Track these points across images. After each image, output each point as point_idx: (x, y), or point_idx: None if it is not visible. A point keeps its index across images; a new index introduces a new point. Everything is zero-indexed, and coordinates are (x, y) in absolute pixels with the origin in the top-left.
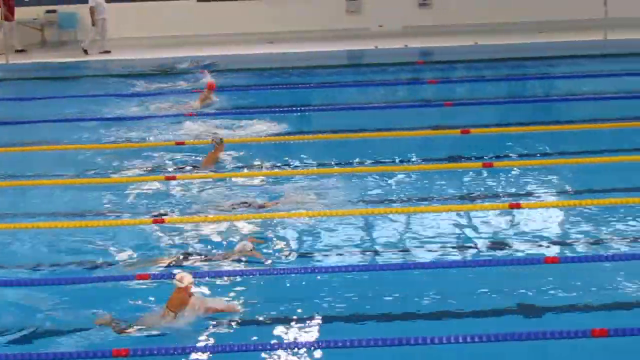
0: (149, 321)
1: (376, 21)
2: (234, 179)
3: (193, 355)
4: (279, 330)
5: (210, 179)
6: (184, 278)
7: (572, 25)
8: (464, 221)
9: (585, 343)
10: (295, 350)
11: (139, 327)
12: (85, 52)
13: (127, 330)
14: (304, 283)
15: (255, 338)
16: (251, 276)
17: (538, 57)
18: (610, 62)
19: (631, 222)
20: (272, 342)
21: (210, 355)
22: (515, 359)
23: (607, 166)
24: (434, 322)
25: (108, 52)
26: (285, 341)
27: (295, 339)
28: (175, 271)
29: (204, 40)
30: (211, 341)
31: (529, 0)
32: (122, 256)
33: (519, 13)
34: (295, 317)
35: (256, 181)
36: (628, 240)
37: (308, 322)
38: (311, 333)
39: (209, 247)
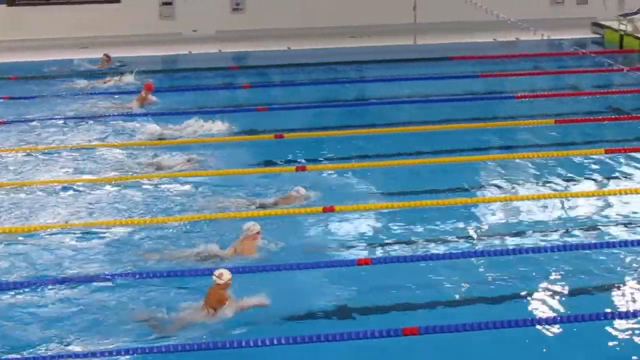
0: (188, 318)
1: (190, 26)
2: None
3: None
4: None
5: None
6: (223, 274)
7: (384, 29)
8: (278, 225)
9: (397, 342)
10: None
11: (178, 324)
12: None
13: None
14: None
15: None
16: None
17: (350, 61)
18: (420, 66)
19: (443, 223)
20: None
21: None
22: (331, 359)
23: (419, 167)
24: (249, 327)
25: None
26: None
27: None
28: (216, 270)
29: (16, 46)
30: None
31: (341, 5)
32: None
33: (331, 18)
34: None
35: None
36: (439, 240)
37: None
38: None
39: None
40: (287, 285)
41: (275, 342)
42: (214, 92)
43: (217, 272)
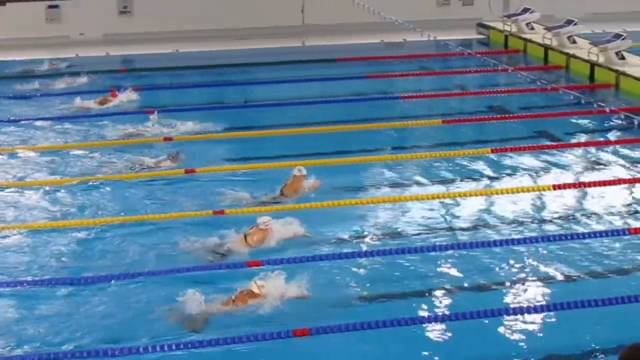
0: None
1: (77, 29)
2: None
3: None
4: None
5: None
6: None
7: (272, 31)
8: (164, 229)
9: (288, 343)
10: None
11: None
12: None
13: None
14: None
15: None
16: None
17: (239, 63)
18: (308, 68)
19: (333, 224)
20: None
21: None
22: None
23: (307, 169)
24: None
25: None
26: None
27: None
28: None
29: None
30: None
31: (229, 7)
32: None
33: (219, 20)
34: None
35: None
36: (329, 241)
37: None
38: None
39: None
40: (172, 289)
41: (166, 348)
42: (103, 95)
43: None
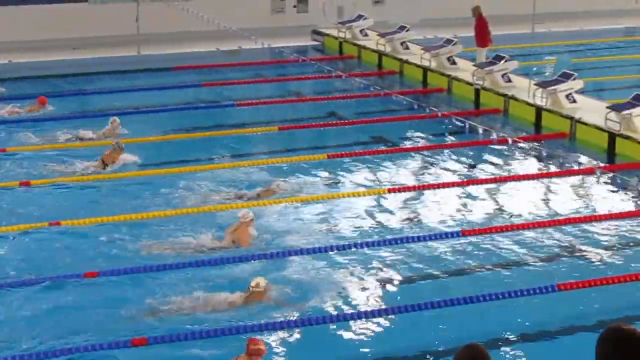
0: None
1: None
2: None
3: None
4: None
5: None
6: (259, 283)
7: (107, 41)
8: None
9: (125, 352)
10: None
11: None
12: None
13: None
14: None
15: None
16: None
17: (74, 73)
18: (144, 77)
19: (168, 234)
20: None
21: None
22: None
23: (145, 179)
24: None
25: None
26: None
27: None
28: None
29: None
30: None
31: (62, 17)
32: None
33: (52, 30)
34: None
35: None
36: (168, 250)
37: None
38: None
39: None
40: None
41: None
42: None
43: (253, 283)
